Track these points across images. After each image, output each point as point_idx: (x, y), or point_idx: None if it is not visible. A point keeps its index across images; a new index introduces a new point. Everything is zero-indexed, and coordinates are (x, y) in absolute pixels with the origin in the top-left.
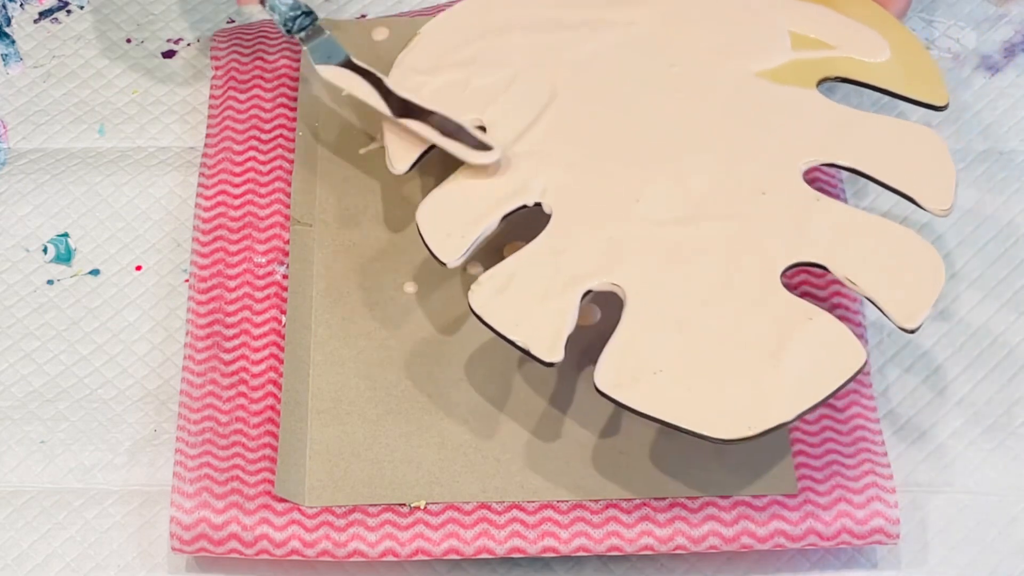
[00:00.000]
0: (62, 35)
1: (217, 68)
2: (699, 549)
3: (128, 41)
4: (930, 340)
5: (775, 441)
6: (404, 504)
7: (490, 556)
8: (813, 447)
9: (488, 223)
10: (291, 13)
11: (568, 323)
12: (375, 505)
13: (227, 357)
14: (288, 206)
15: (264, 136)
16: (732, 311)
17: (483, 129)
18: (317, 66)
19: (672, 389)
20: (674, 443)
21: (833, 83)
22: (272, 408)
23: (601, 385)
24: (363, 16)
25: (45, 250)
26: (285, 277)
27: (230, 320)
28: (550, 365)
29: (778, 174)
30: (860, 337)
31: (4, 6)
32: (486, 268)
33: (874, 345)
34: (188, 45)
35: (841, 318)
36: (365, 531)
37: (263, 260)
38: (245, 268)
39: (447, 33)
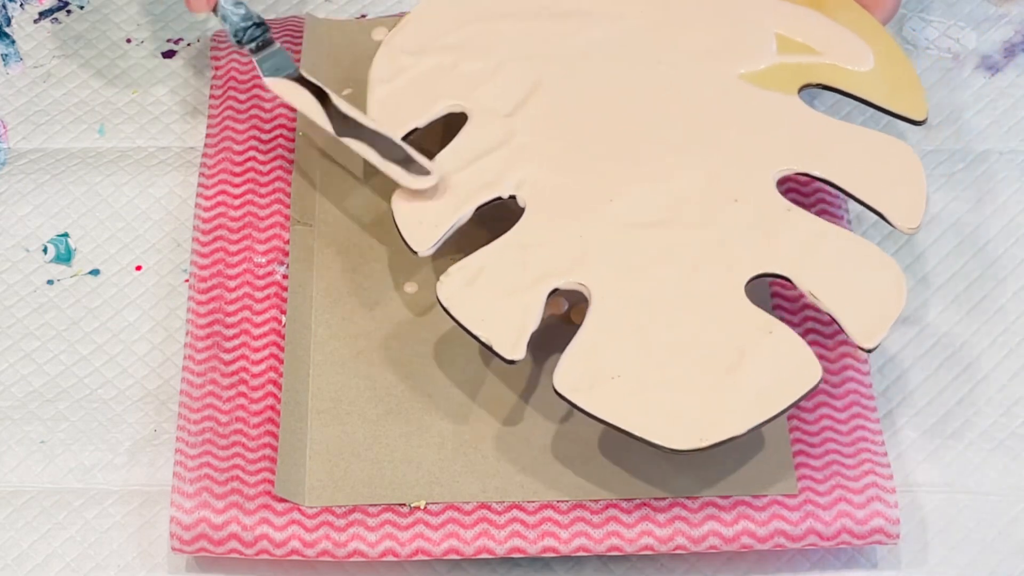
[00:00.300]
0: (62, 35)
1: (217, 68)
2: (699, 549)
3: (128, 41)
4: (930, 340)
5: (775, 441)
6: (404, 504)
7: (490, 556)
8: (813, 447)
9: (462, 213)
10: (243, 24)
11: (532, 321)
12: (375, 505)
13: (227, 357)
14: (288, 206)
15: (264, 136)
16: (694, 320)
17: (464, 116)
18: (265, 79)
19: (628, 396)
20: None
21: (816, 89)
22: (272, 408)
23: (559, 387)
24: (363, 16)
25: (45, 250)
26: (285, 277)
27: (230, 320)
28: (512, 363)
29: (752, 182)
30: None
31: (4, 6)
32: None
33: (874, 345)
34: (188, 45)
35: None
36: (365, 531)
37: (263, 260)
38: (245, 268)
39: (437, 16)
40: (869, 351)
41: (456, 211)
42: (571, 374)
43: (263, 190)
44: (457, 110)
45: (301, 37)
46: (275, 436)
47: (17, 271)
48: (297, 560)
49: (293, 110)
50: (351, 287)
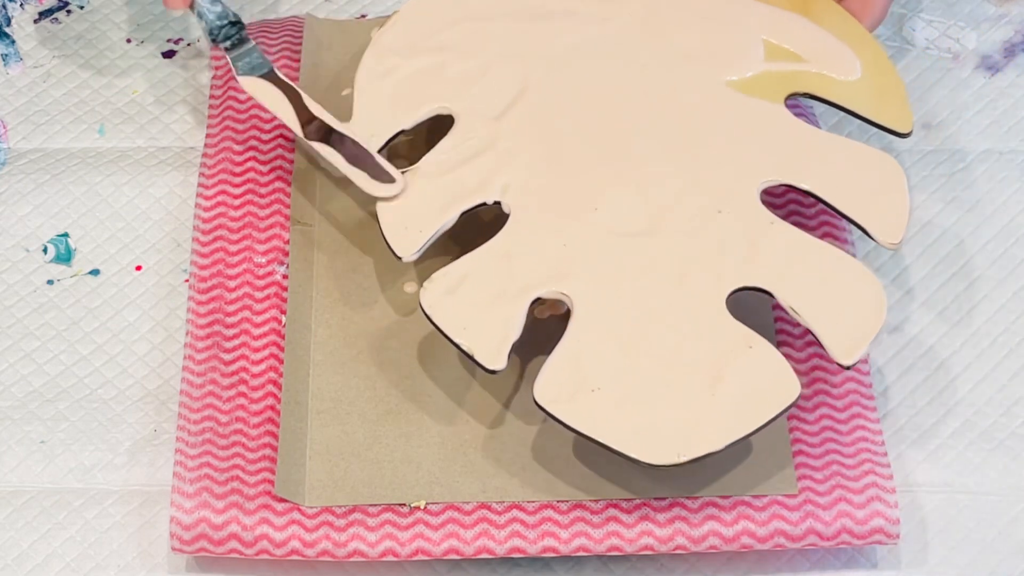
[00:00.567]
0: (62, 35)
1: (217, 68)
2: (699, 549)
3: (128, 41)
4: (930, 340)
5: (775, 441)
6: (404, 504)
7: (490, 556)
8: (813, 447)
9: (447, 219)
10: (219, 22)
11: (514, 331)
12: (375, 505)
13: (227, 357)
14: (288, 206)
15: (264, 136)
16: (675, 333)
17: (451, 119)
18: (239, 77)
19: (607, 409)
20: None
21: (803, 98)
22: (272, 408)
23: (539, 398)
24: (363, 16)
25: (45, 250)
26: (285, 277)
27: (230, 320)
28: (493, 372)
29: (736, 192)
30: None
31: (4, 6)
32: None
33: (874, 344)
34: (188, 45)
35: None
36: (365, 531)
37: (263, 260)
38: (245, 268)
39: (425, 15)
40: (847, 368)
41: (441, 216)
42: (551, 385)
43: (263, 190)
44: (444, 112)
45: (301, 37)
46: (275, 436)
47: (17, 271)
48: (297, 560)
49: None
50: (351, 287)
